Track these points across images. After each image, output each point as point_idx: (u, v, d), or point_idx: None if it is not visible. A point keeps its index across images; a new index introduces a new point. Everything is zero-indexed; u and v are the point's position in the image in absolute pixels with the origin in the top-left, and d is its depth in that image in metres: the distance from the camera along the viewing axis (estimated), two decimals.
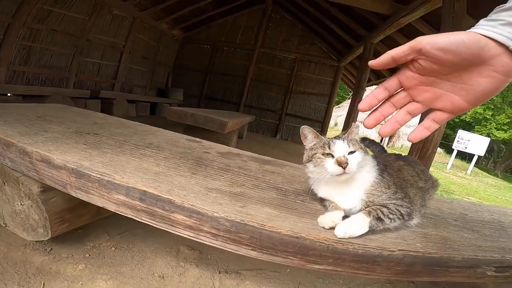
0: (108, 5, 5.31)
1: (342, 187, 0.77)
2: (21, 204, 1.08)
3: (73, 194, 0.84)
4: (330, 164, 0.71)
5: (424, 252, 0.70)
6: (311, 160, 0.76)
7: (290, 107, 7.75)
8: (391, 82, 0.50)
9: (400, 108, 0.52)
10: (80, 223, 1.22)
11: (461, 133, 10.94)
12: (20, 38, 4.15)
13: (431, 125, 0.50)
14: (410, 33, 4.69)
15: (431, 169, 2.91)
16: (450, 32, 0.44)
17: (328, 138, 0.78)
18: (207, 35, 8.16)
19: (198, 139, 1.47)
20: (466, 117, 15.43)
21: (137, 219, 0.77)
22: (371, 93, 0.51)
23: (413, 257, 0.70)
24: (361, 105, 0.51)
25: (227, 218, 0.68)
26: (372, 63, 0.49)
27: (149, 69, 7.30)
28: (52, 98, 4.16)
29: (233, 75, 7.91)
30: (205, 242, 0.73)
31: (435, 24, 3.94)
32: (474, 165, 11.32)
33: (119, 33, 5.90)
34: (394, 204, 0.74)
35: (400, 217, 0.74)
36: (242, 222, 0.68)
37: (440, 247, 0.73)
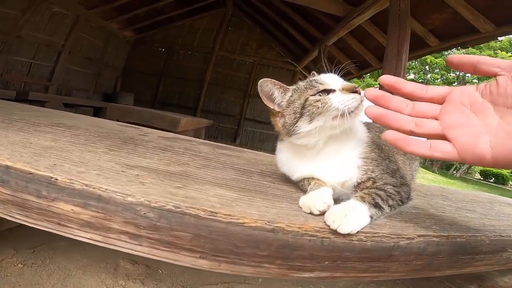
0: (48, 1, 4.67)
1: (329, 153, 0.56)
2: None
3: None
4: (340, 98, 0.50)
5: (448, 236, 0.51)
6: (302, 115, 0.53)
7: (249, 111, 7.58)
8: (439, 89, 0.43)
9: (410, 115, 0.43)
10: None
11: None
12: None
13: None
14: (358, 34, 4.90)
15: None
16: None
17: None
18: (163, 37, 7.74)
19: (136, 126, 1.17)
20: None
21: (8, 217, 0.46)
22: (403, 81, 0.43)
23: (436, 244, 0.50)
24: (385, 78, 0.43)
25: (150, 204, 0.41)
26: (451, 58, 0.41)
27: (93, 71, 6.59)
28: None
29: (189, 79, 7.56)
30: (121, 249, 0.45)
31: (382, 25, 4.17)
32: None
33: (58, 31, 5.23)
34: (392, 185, 0.54)
35: (400, 202, 0.53)
36: (177, 210, 0.41)
37: (460, 229, 0.55)
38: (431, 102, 0.43)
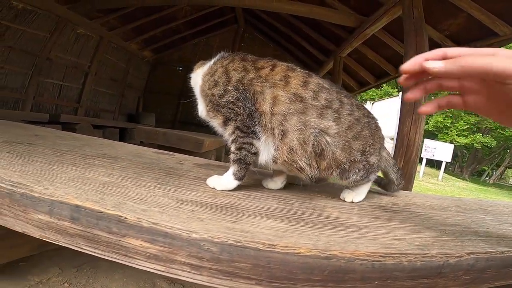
0: (73, 23, 5.00)
1: None
2: None
3: None
4: None
5: (497, 252, 0.53)
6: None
7: None
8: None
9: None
10: (17, 256, 0.97)
11: (427, 141, 11.64)
12: None
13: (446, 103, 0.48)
14: (374, 44, 4.91)
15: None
16: None
17: None
18: (179, 56, 8.04)
19: (169, 152, 1.22)
20: (428, 126, 16.42)
21: (75, 248, 0.51)
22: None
23: (485, 260, 0.52)
24: (406, 65, 0.45)
25: (213, 240, 0.44)
26: None
27: (117, 93, 6.90)
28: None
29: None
30: (183, 278, 0.48)
31: (396, 33, 4.18)
32: (444, 171, 11.93)
33: (84, 52, 5.56)
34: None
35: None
36: (238, 244, 0.45)
37: (508, 244, 0.57)
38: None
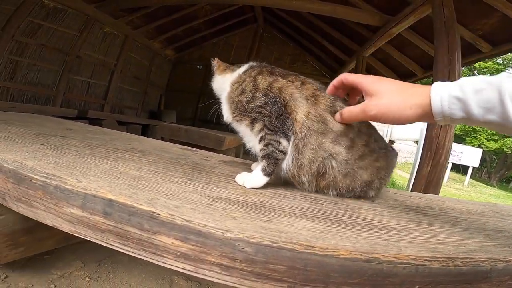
0: (100, 22, 5.19)
1: None
2: None
3: (14, 208, 0.57)
4: None
5: None
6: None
7: None
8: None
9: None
10: (43, 248, 0.99)
11: (453, 145, 11.05)
12: (7, 52, 3.93)
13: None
14: (399, 44, 4.72)
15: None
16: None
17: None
18: (200, 55, 8.13)
19: (193, 149, 1.22)
20: (456, 130, 15.53)
21: (104, 244, 0.50)
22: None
23: None
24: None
25: (248, 240, 0.42)
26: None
27: (141, 90, 7.09)
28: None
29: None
30: (210, 279, 0.46)
31: (424, 33, 4.01)
32: (470, 177, 11.32)
33: (111, 51, 5.75)
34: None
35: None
36: (274, 245, 0.42)
37: None
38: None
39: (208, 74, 6.45)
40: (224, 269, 0.45)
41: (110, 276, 1.09)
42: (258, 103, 0.68)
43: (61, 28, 4.58)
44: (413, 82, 6.51)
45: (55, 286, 0.96)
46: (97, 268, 1.12)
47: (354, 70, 5.52)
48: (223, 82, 0.80)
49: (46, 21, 4.32)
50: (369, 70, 6.02)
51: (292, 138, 0.67)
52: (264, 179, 0.68)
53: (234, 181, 0.71)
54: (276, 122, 0.66)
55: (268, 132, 0.67)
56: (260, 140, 0.69)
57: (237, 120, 0.74)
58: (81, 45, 4.99)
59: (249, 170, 0.77)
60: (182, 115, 7.82)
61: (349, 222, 0.57)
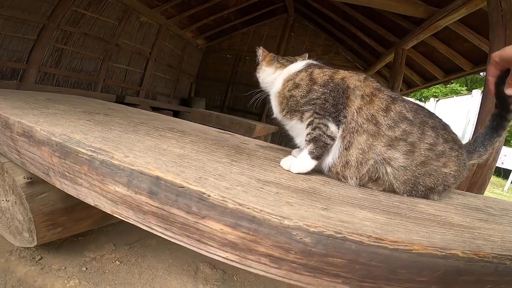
0: (137, 11, 5.34)
1: None
2: (6, 199, 0.84)
3: (58, 184, 0.57)
4: None
5: None
6: None
7: None
8: None
9: None
10: (79, 230, 0.97)
11: None
12: (53, 40, 4.18)
13: None
14: (445, 37, 4.34)
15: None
16: None
17: None
18: (229, 44, 8.12)
19: (230, 132, 1.19)
20: None
21: (144, 227, 0.48)
22: None
23: None
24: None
25: (308, 229, 0.37)
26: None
27: (173, 78, 7.28)
28: None
29: (254, 86, 7.76)
30: (254, 271, 0.42)
31: (475, 26, 3.67)
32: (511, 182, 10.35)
33: (146, 40, 5.92)
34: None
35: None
36: (338, 236, 0.37)
37: None
38: None
39: (238, 64, 6.44)
40: (274, 261, 0.40)
41: (138, 260, 1.09)
42: (314, 95, 0.65)
43: (101, 17, 4.77)
44: (460, 77, 6.01)
45: (86, 269, 0.97)
46: (127, 251, 1.13)
47: (393, 63, 5.19)
48: (272, 76, 0.78)
49: (88, 10, 4.52)
50: (410, 64, 5.63)
51: (341, 128, 0.63)
52: (312, 163, 0.63)
53: (279, 165, 0.66)
54: (329, 107, 0.63)
55: (317, 116, 0.63)
56: (308, 125, 0.65)
57: (288, 118, 0.71)
58: (119, 34, 5.18)
59: (290, 156, 0.72)
60: (211, 103, 7.93)
61: (412, 216, 0.50)
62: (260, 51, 0.84)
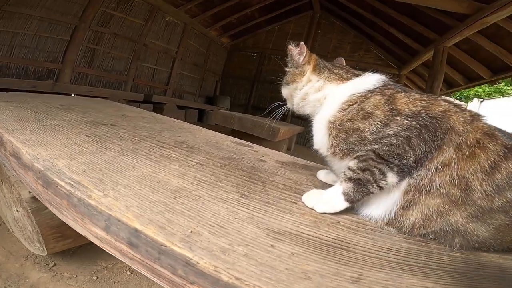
0: (162, 11, 5.42)
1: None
2: (16, 210, 0.84)
3: (50, 209, 0.50)
4: None
5: None
6: None
7: None
8: None
9: None
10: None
11: None
12: (85, 41, 4.35)
13: None
14: (492, 34, 3.90)
15: None
16: None
17: None
18: (254, 42, 8.02)
19: (248, 143, 1.08)
20: None
21: (132, 266, 0.39)
22: None
23: None
24: None
25: None
26: None
27: (199, 76, 7.35)
28: (109, 100, 4.25)
29: (280, 84, 7.62)
30: None
31: None
32: None
33: (172, 39, 6.01)
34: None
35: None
36: None
37: None
38: None
39: (262, 62, 6.33)
40: None
41: None
42: (391, 131, 0.46)
43: (129, 17, 4.89)
44: (506, 77, 5.41)
45: (97, 278, 0.95)
46: None
47: (432, 62, 4.78)
48: (320, 93, 0.56)
49: (116, 11, 4.64)
50: (452, 62, 5.16)
51: (406, 181, 0.46)
52: (343, 205, 0.49)
53: (300, 200, 0.53)
54: (406, 153, 0.45)
55: (377, 160, 0.46)
56: (356, 158, 0.48)
57: (339, 157, 0.52)
58: (146, 34, 5.28)
59: (315, 179, 0.59)
60: (236, 101, 7.91)
61: (473, 275, 0.36)
62: (300, 49, 0.60)
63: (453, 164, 0.43)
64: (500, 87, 11.76)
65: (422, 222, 0.45)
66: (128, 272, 1.01)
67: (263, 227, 0.40)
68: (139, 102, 4.92)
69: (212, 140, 0.96)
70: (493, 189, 0.41)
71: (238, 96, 8.05)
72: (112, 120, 0.98)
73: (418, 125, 0.45)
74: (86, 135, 0.68)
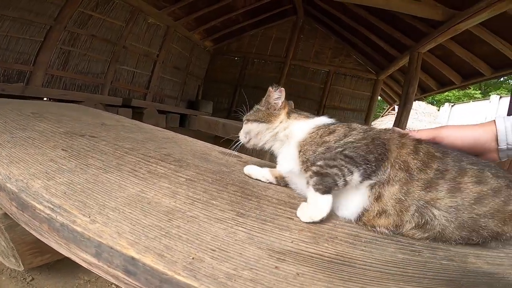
0: (144, 13, 5.28)
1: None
2: None
3: (28, 230, 0.45)
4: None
5: None
6: None
7: None
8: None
9: None
10: None
11: None
12: (60, 42, 4.13)
13: None
14: (464, 40, 4.15)
15: None
16: (469, 126, 0.63)
17: None
18: (237, 46, 8.01)
19: (235, 153, 1.06)
20: None
21: None
22: None
23: None
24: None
25: None
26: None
27: (181, 80, 7.20)
28: (85, 104, 4.04)
29: (263, 88, 7.61)
30: None
31: (496, 29, 3.57)
32: None
33: (154, 42, 5.86)
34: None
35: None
36: None
37: None
38: None
39: (245, 66, 6.31)
40: None
41: None
42: (352, 139, 0.58)
43: (109, 19, 4.72)
44: (479, 82, 5.76)
45: None
46: None
47: (407, 67, 4.99)
48: (288, 128, 0.68)
49: (95, 12, 4.46)
50: (425, 68, 5.42)
51: (368, 181, 0.55)
52: (325, 201, 0.52)
53: (295, 214, 0.52)
54: (367, 155, 0.55)
55: (346, 160, 0.54)
56: (324, 159, 0.55)
57: (306, 170, 0.59)
58: (127, 36, 5.12)
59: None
60: (218, 105, 7.82)
61: (466, 283, 0.37)
62: (279, 93, 0.72)
63: (395, 155, 0.56)
64: (469, 92, 12.50)
65: (398, 206, 0.53)
66: (113, 286, 0.96)
67: (265, 248, 0.38)
68: (118, 106, 4.74)
69: (199, 151, 0.92)
70: (421, 164, 0.54)
71: (220, 100, 7.98)
72: (90, 130, 0.92)
73: (369, 137, 0.58)
74: (63, 149, 0.62)
